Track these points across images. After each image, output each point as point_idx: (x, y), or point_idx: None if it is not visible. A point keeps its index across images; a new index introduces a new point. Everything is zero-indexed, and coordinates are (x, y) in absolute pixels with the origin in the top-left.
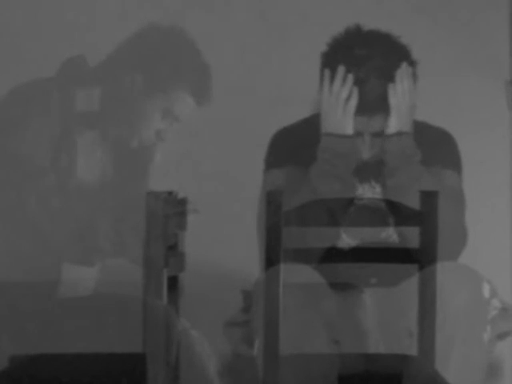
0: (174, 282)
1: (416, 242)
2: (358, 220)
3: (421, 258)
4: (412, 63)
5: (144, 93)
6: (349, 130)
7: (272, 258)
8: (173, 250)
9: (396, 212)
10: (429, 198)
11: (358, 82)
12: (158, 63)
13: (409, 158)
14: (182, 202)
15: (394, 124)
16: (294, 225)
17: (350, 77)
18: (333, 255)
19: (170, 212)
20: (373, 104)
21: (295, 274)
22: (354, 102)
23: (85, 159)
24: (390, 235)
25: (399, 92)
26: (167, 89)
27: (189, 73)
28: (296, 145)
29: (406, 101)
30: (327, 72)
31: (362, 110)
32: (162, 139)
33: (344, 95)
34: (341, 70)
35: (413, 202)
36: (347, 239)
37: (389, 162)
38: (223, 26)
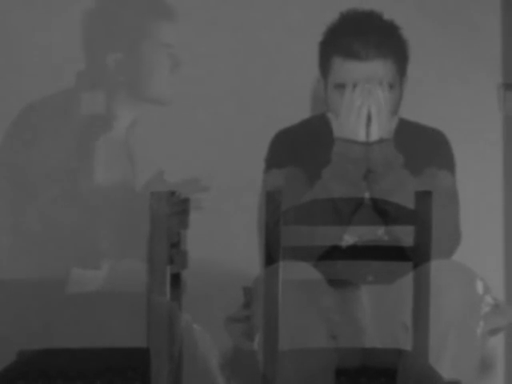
0: (177, 279)
1: (407, 240)
2: (357, 218)
3: (415, 256)
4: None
5: (138, 41)
6: (361, 136)
7: (271, 255)
8: (176, 248)
9: (391, 211)
10: (423, 197)
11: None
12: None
13: (390, 164)
14: (185, 202)
15: (375, 131)
16: (298, 223)
17: (365, 86)
18: (331, 253)
19: (173, 211)
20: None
21: (294, 271)
22: (365, 109)
23: (87, 165)
24: (385, 233)
25: (377, 100)
26: (150, 21)
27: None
28: (296, 145)
29: (385, 108)
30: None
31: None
32: (178, 66)
33: (358, 103)
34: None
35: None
36: (346, 237)
37: (373, 169)
38: (220, 26)
